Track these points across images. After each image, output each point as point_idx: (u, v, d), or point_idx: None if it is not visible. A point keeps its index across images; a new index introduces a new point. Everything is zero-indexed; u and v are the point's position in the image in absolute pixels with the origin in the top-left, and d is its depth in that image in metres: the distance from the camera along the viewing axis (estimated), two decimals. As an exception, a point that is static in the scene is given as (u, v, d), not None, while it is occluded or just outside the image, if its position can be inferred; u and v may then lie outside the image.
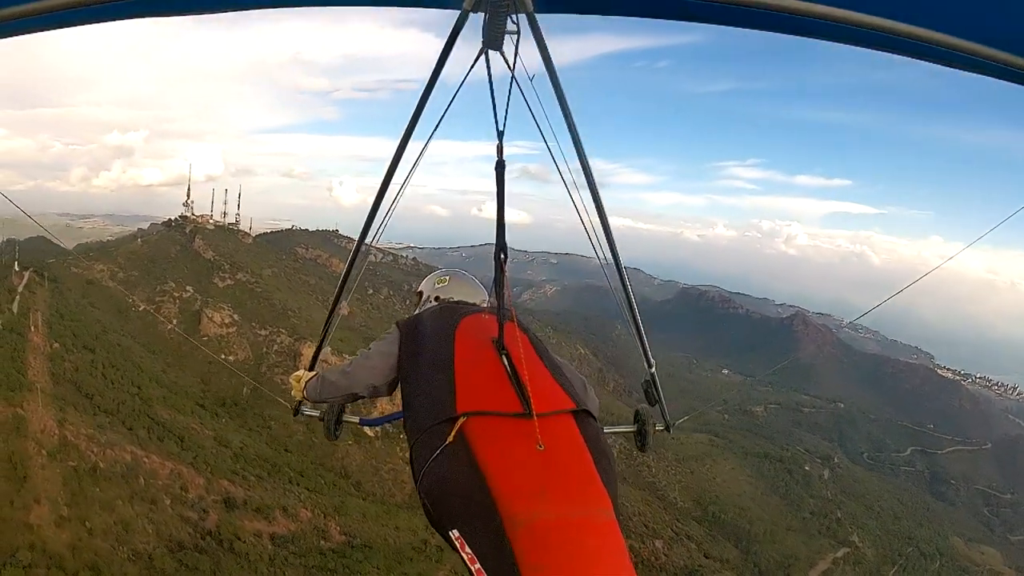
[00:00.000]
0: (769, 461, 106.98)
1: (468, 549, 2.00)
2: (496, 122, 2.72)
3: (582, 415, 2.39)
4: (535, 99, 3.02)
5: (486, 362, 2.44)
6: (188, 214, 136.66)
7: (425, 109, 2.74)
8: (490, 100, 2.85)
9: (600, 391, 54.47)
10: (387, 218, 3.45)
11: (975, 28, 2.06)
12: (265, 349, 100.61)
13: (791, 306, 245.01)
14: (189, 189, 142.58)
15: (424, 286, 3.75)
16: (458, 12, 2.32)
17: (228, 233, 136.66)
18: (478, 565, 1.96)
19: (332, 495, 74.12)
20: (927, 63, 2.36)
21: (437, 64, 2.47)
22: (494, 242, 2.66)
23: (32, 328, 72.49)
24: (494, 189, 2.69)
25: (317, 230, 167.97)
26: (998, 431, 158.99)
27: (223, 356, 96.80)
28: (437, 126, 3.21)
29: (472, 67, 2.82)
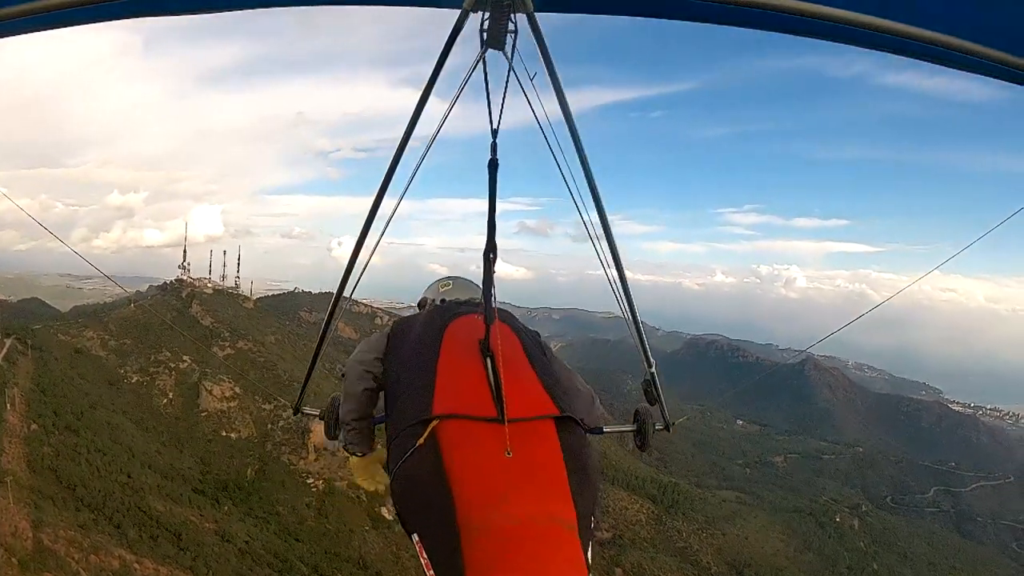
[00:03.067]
0: (799, 515, 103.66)
1: (424, 555, 2.01)
2: (491, 121, 2.71)
3: (566, 422, 2.28)
4: (535, 99, 3.02)
5: (469, 364, 2.36)
6: (185, 277, 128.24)
7: (425, 110, 2.73)
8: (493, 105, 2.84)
9: (619, 452, 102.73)
10: (381, 237, 3.43)
11: (975, 28, 2.06)
12: (270, 425, 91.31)
13: (796, 350, 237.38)
14: (185, 251, 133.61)
15: (427, 292, 3.68)
16: (458, 12, 2.32)
17: (228, 297, 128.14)
18: (431, 572, 1.98)
19: (350, 591, 64.75)
20: (928, 63, 2.34)
21: (437, 63, 2.47)
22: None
23: (8, 406, 62.59)
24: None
25: (321, 292, 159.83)
26: (1019, 462, 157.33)
27: (224, 433, 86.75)
28: (438, 128, 3.04)
29: (474, 67, 2.73)
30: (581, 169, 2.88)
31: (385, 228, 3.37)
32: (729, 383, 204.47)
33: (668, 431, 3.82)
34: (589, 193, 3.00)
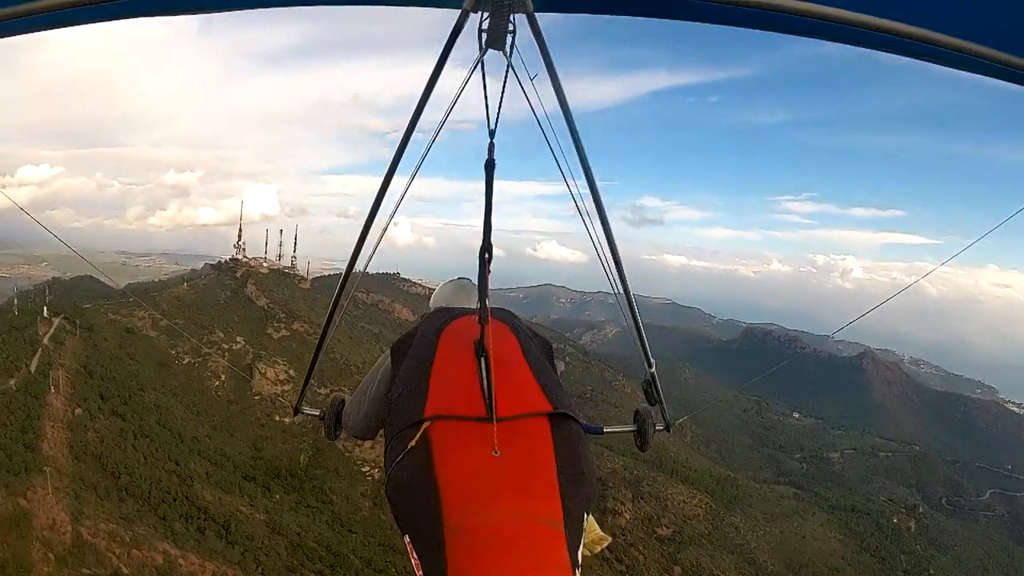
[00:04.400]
0: (857, 515, 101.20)
1: (414, 555, 2.02)
2: (488, 122, 2.76)
3: (561, 419, 2.27)
4: (536, 99, 3.05)
5: (463, 365, 2.37)
6: (240, 256, 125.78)
7: (425, 111, 2.70)
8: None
9: (677, 443, 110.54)
10: (384, 232, 3.40)
11: (975, 28, 2.08)
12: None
13: (853, 343, 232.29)
14: (240, 229, 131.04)
15: (432, 301, 3.55)
16: (458, 12, 2.33)
17: (283, 277, 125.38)
18: (420, 573, 2.00)
19: (406, 588, 59.15)
20: (931, 63, 2.35)
21: (437, 64, 2.46)
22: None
23: (52, 388, 59.97)
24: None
25: (378, 273, 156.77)
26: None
27: (277, 418, 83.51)
28: (439, 128, 3.07)
29: (475, 67, 2.76)
30: (582, 169, 2.82)
31: (385, 229, 3.33)
32: (787, 375, 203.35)
33: (668, 432, 3.75)
34: (590, 194, 2.96)
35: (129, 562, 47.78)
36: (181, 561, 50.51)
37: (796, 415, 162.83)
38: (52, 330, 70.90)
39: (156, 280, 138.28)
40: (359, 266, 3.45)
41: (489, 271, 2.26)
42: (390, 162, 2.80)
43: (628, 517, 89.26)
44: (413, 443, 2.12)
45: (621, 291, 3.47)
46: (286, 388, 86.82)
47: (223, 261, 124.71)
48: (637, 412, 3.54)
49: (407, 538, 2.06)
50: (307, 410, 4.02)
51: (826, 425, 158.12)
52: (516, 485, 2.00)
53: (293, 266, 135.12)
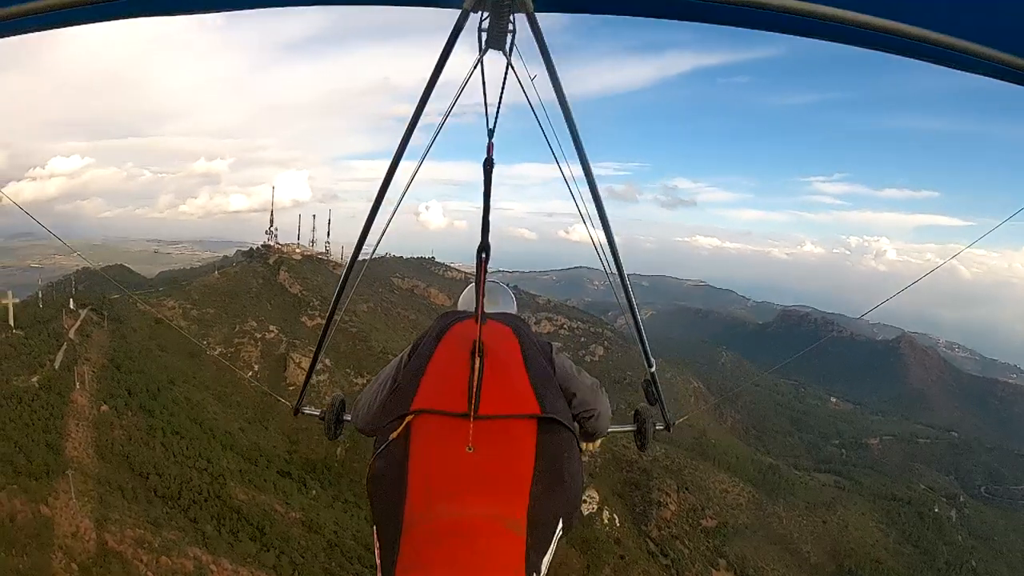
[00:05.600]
0: (898, 504, 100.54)
1: (377, 547, 2.05)
2: (487, 121, 2.77)
3: (549, 423, 2.28)
4: (538, 99, 3.12)
5: (457, 363, 2.39)
6: (272, 243, 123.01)
7: (424, 112, 2.69)
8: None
9: (718, 429, 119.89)
10: (386, 228, 3.40)
11: (975, 28, 2.07)
12: None
13: (888, 326, 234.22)
14: (272, 215, 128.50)
15: (460, 303, 3.56)
16: (458, 12, 2.31)
17: (317, 264, 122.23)
18: (379, 563, 2.02)
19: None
20: (931, 63, 2.34)
21: (437, 64, 2.43)
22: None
23: (77, 385, 57.17)
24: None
25: (412, 257, 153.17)
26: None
27: (308, 409, 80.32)
28: (439, 129, 3.09)
29: (475, 67, 2.78)
30: (581, 167, 2.79)
31: (387, 226, 3.35)
32: (824, 359, 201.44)
33: (668, 431, 3.77)
34: (591, 195, 2.94)
35: (158, 570, 44.71)
36: (213, 567, 47.40)
37: (833, 400, 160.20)
38: (78, 323, 68.45)
39: (189, 268, 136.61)
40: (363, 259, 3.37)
41: (487, 270, 2.24)
42: (390, 162, 2.75)
43: (673, 508, 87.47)
44: (395, 435, 2.14)
45: (622, 293, 3.45)
46: (321, 378, 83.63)
47: (255, 248, 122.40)
48: (637, 412, 3.49)
49: (374, 528, 2.07)
50: (307, 410, 3.97)
51: (863, 410, 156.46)
52: (485, 484, 1.99)
53: (327, 252, 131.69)
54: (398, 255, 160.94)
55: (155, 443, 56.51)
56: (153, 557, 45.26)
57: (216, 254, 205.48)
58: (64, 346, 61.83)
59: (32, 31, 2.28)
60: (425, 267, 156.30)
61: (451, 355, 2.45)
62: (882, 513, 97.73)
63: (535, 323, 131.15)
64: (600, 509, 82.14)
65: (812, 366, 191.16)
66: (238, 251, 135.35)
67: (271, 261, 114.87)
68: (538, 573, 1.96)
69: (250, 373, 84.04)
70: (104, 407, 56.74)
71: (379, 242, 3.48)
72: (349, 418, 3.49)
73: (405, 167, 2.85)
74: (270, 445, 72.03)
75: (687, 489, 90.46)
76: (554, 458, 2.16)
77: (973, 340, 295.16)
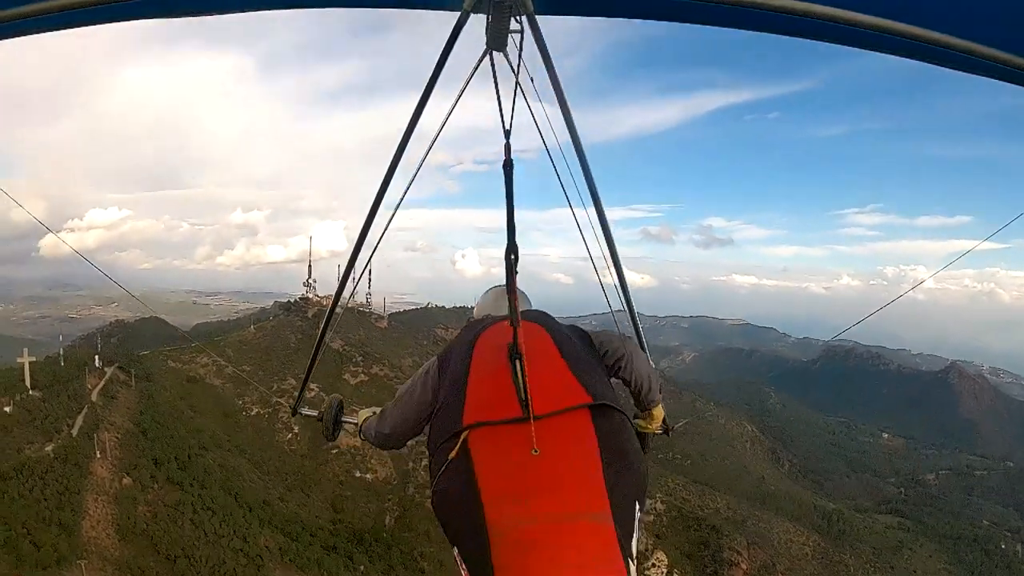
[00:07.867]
0: (964, 543, 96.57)
1: (464, 567, 2.03)
2: (503, 123, 2.62)
3: (601, 409, 2.25)
4: (541, 100, 3.14)
5: (498, 370, 2.35)
6: (310, 295, 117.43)
7: (425, 112, 2.73)
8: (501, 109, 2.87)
9: (776, 473, 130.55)
10: (381, 237, 3.46)
11: (975, 28, 2.07)
12: (412, 464, 77.38)
13: (933, 355, 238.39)
14: (310, 266, 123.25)
15: (476, 310, 3.52)
16: (458, 13, 2.32)
17: (359, 316, 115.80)
18: None
19: None
20: (931, 63, 2.32)
21: (437, 65, 2.47)
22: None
23: (96, 454, 50.25)
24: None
25: (455, 307, 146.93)
26: None
27: (358, 474, 72.74)
28: (440, 129, 3.14)
29: (476, 69, 2.78)
30: (581, 171, 2.86)
31: (382, 236, 3.35)
32: (871, 393, 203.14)
33: (668, 435, 3.71)
34: (590, 196, 3.01)
35: None
36: (250, 675, 39.29)
37: (886, 435, 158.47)
38: (103, 383, 62.12)
39: (227, 320, 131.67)
40: (352, 282, 3.51)
41: (516, 271, 2.15)
42: (390, 162, 2.77)
43: (745, 567, 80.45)
44: (453, 454, 2.11)
45: (622, 294, 3.44)
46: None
47: (293, 300, 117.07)
48: (636, 415, 3.33)
49: (456, 550, 2.05)
50: (305, 411, 4.06)
51: (916, 444, 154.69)
52: (560, 482, 1.97)
53: (368, 303, 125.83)
54: (440, 304, 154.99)
55: (184, 520, 48.93)
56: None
57: (254, 305, 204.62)
58: (84, 409, 55.26)
59: (34, 32, 2.22)
60: (465, 317, 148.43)
61: (489, 363, 2.38)
62: (949, 554, 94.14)
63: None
64: (669, 574, 74.67)
65: (861, 401, 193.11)
66: (276, 302, 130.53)
67: (309, 315, 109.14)
68: (632, 559, 1.94)
69: (289, 435, 76.96)
70: (127, 479, 49.54)
71: (372, 256, 3.51)
72: (348, 420, 3.55)
73: (405, 166, 2.83)
74: (312, 516, 64.30)
75: (756, 544, 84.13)
76: (616, 443, 2.13)
77: (1017, 365, 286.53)
